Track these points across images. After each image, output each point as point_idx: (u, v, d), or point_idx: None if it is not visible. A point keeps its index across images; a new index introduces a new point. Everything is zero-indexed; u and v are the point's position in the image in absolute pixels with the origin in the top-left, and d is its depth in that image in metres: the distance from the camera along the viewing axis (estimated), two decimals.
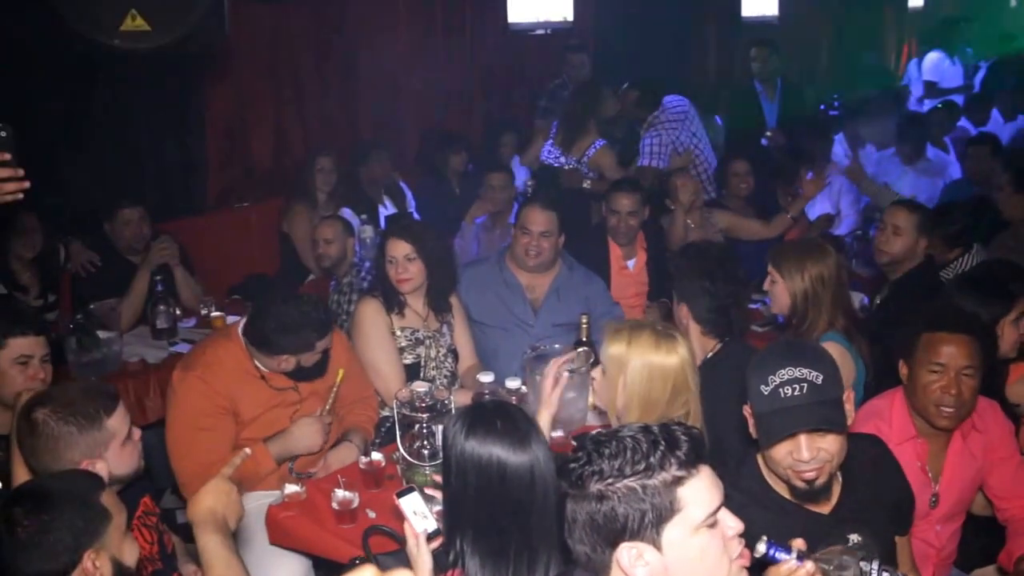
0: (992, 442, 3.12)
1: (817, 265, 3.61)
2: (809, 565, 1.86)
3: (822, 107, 9.24)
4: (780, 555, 1.89)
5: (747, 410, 2.40)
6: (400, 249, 4.01)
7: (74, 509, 2.17)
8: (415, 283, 4.05)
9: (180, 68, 5.60)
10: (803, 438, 2.27)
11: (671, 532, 1.72)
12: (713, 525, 1.76)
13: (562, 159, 6.48)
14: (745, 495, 2.35)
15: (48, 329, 3.70)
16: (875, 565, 1.91)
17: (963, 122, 8.55)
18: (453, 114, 7.72)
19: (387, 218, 6.00)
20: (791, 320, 3.63)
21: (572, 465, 1.77)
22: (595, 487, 1.72)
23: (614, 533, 1.72)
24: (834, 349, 3.41)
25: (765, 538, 1.93)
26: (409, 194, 6.62)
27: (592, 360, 3.55)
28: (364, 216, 5.58)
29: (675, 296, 3.58)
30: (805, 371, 2.29)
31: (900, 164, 7.24)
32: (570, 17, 8.47)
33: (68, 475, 2.44)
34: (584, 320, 3.83)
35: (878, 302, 4.61)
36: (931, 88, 9.94)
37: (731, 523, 1.79)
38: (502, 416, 2.27)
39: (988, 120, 8.66)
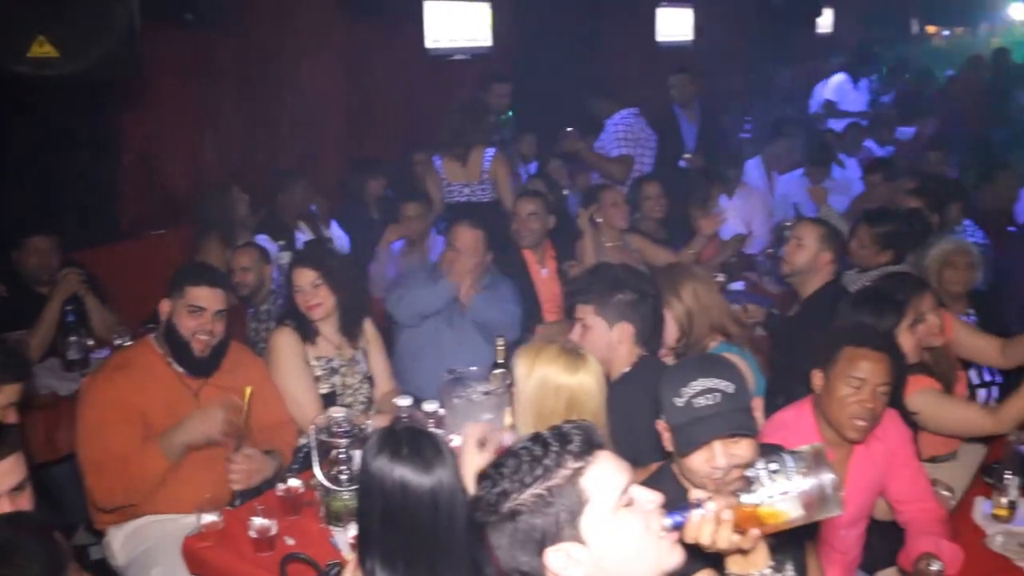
0: (892, 449, 3.23)
1: (687, 283, 3.73)
2: (711, 505, 1.81)
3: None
4: (685, 515, 1.82)
5: (661, 425, 2.45)
6: (305, 277, 4.02)
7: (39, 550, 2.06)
8: (325, 309, 4.04)
9: (93, 92, 5.51)
10: (718, 445, 2.32)
11: (589, 523, 1.73)
12: (630, 504, 1.77)
13: (465, 190, 6.51)
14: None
15: None
16: (762, 465, 1.85)
17: (868, 142, 8.84)
18: (372, 139, 7.72)
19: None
20: (680, 342, 3.70)
21: (481, 495, 1.78)
22: (506, 507, 1.74)
23: (537, 544, 1.73)
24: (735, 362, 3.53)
25: (664, 511, 1.89)
26: (334, 224, 6.60)
27: (509, 383, 3.57)
28: (282, 243, 5.55)
29: (607, 314, 3.46)
30: (716, 381, 2.34)
31: (809, 184, 7.38)
32: (489, 42, 8.53)
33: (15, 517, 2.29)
34: (500, 343, 3.87)
35: (789, 316, 4.74)
36: (830, 107, 10.24)
37: (648, 496, 1.80)
38: (409, 438, 2.27)
39: (891, 139, 8.97)
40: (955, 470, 3.81)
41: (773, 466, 1.82)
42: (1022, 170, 7.04)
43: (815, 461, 1.82)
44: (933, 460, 3.81)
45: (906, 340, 3.57)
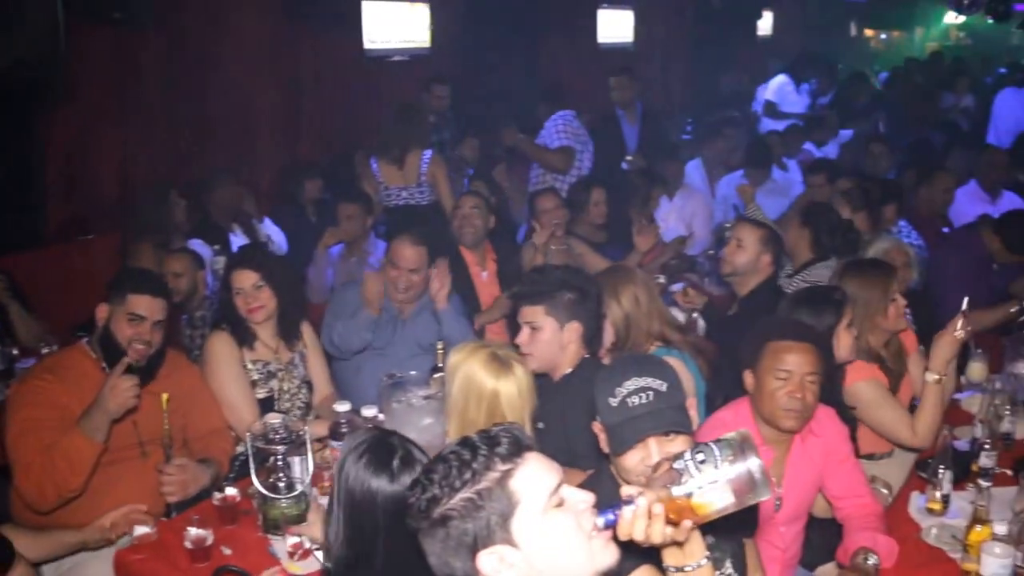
0: (829, 446, 3.25)
1: (628, 287, 3.78)
2: (641, 500, 1.79)
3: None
4: (616, 513, 1.81)
5: (597, 426, 2.45)
6: (247, 279, 3.94)
7: None
8: (267, 311, 3.97)
9: (13, 92, 5.33)
10: (653, 444, 2.32)
11: (520, 525, 1.72)
12: (560, 504, 1.76)
13: (403, 193, 6.46)
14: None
15: None
16: (689, 456, 1.84)
17: (808, 145, 8.95)
18: (309, 141, 7.63)
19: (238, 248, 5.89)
20: (616, 346, 3.73)
21: (411, 501, 1.77)
22: (436, 513, 1.72)
23: (469, 548, 1.72)
24: (674, 365, 3.51)
25: (596, 511, 1.88)
26: (268, 222, 6.50)
27: None
28: (217, 247, 5.44)
29: (558, 314, 3.46)
30: (650, 380, 2.36)
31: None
32: (427, 44, 8.49)
33: None
34: (440, 346, 3.82)
35: (728, 317, 4.75)
36: (770, 108, 10.36)
37: (579, 496, 1.79)
38: (376, 444, 2.31)
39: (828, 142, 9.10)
40: (892, 467, 3.85)
41: (700, 456, 1.81)
42: (959, 172, 7.13)
43: (741, 447, 1.81)
44: (871, 457, 3.85)
45: (844, 338, 3.60)
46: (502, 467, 1.73)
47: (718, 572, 2.50)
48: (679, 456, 1.85)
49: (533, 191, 6.61)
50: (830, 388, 3.41)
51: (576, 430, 2.98)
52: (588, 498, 1.80)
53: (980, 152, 7.84)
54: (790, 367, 3.05)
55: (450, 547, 1.73)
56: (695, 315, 5.25)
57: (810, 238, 5.02)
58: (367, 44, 7.93)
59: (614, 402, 2.35)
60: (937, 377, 3.59)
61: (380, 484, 2.25)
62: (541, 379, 3.30)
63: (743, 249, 4.55)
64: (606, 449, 2.44)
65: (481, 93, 8.03)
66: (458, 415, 2.91)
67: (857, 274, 3.94)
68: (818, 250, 5.01)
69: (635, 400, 2.33)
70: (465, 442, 1.77)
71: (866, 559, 2.94)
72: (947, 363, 3.63)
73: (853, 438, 3.52)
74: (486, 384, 2.88)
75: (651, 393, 2.34)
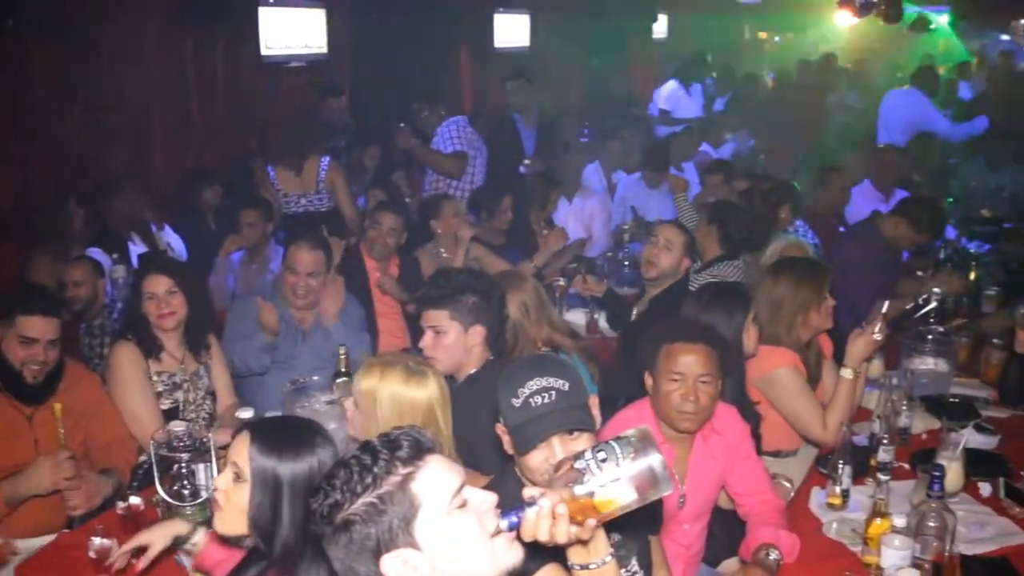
0: (731, 444, 3.31)
1: (518, 293, 3.84)
2: (544, 502, 1.81)
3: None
4: (520, 514, 1.82)
5: (500, 428, 2.46)
6: (160, 284, 3.91)
7: None
8: (178, 318, 3.96)
9: None
10: (557, 443, 2.33)
11: (423, 528, 1.73)
12: (463, 506, 1.77)
13: (302, 200, 6.48)
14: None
15: None
16: (590, 455, 1.85)
17: (704, 146, 9.16)
18: (207, 147, 7.55)
19: (140, 256, 5.81)
20: (504, 348, 3.76)
21: (314, 507, 1.76)
22: (339, 518, 1.72)
23: (372, 553, 1.71)
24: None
25: (499, 512, 1.89)
26: (168, 229, 6.42)
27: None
28: (115, 256, 5.38)
29: (463, 318, 3.52)
30: (552, 380, 2.35)
31: (645, 188, 7.63)
32: (325, 49, 8.47)
33: None
34: (342, 351, 3.87)
35: (635, 316, 4.86)
36: (664, 116, 10.57)
37: (482, 497, 1.80)
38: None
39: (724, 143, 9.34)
40: (794, 464, 3.95)
41: (601, 455, 1.84)
42: (854, 172, 7.31)
43: (642, 444, 1.84)
44: (777, 454, 3.94)
45: (752, 333, 3.71)
46: (403, 470, 1.74)
47: (624, 570, 2.53)
48: (580, 455, 1.87)
49: (434, 196, 6.68)
50: (734, 385, 3.52)
51: (480, 431, 2.96)
52: (491, 499, 1.81)
53: (873, 152, 8.04)
54: (682, 369, 3.09)
55: (353, 552, 1.72)
56: (596, 316, 5.41)
57: (718, 235, 5.15)
58: (264, 50, 7.84)
59: (517, 402, 2.35)
60: (853, 373, 3.70)
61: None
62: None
63: (670, 251, 4.66)
64: (510, 451, 2.44)
65: (378, 99, 8.04)
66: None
67: (791, 272, 4.02)
68: (727, 246, 5.16)
69: (538, 400, 2.33)
70: (366, 447, 1.77)
71: (768, 554, 2.99)
72: (862, 360, 3.75)
73: (757, 435, 3.60)
74: (417, 397, 2.86)
75: (554, 393, 2.34)
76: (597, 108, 11.04)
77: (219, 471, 3.20)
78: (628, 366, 3.93)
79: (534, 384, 2.35)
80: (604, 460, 1.83)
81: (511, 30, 11.14)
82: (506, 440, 2.44)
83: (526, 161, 7.76)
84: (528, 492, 1.86)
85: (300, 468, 2.23)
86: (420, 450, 1.77)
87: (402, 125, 7.22)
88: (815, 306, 3.93)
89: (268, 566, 2.22)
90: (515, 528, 1.81)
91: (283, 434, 2.31)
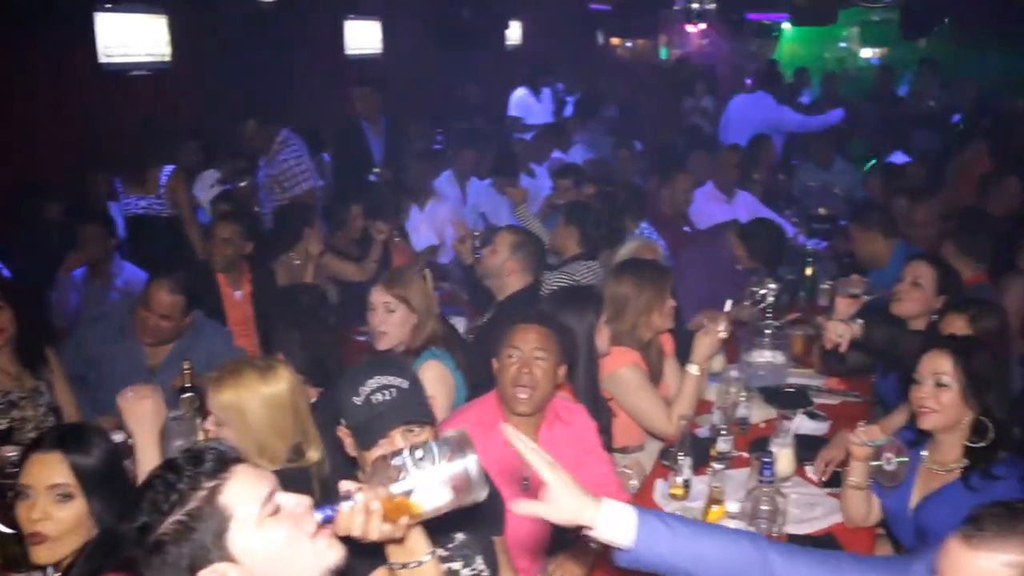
0: (578, 436, 3.43)
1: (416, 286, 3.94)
2: (359, 497, 1.83)
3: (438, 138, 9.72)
4: (335, 509, 1.83)
5: (342, 431, 2.51)
6: None
7: None
8: (5, 335, 3.83)
9: None
10: (399, 438, 2.41)
11: (236, 540, 1.70)
12: (276, 512, 1.76)
13: (142, 202, 6.35)
14: None
15: None
16: (407, 454, 1.87)
17: (556, 152, 9.30)
18: (42, 159, 7.22)
19: None
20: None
21: (123, 531, 1.73)
22: (150, 541, 1.68)
23: (187, 571, 1.68)
24: (435, 368, 3.73)
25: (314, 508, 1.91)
26: None
27: (197, 406, 3.53)
28: None
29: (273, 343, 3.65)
30: (391, 378, 2.45)
31: (496, 194, 7.67)
32: (168, 57, 8.25)
33: None
34: (186, 366, 3.79)
35: (484, 321, 4.93)
36: (514, 123, 10.69)
37: (295, 500, 1.80)
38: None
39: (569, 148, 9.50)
40: (643, 458, 4.07)
41: (419, 454, 1.86)
42: (698, 173, 7.49)
43: (459, 445, 1.87)
44: (624, 451, 4.05)
45: (604, 332, 3.84)
46: (208, 484, 1.70)
47: (470, 569, 2.58)
48: (398, 453, 1.89)
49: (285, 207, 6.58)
50: (588, 382, 3.67)
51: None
52: (304, 501, 1.81)
53: (714, 154, 8.27)
54: (518, 344, 3.27)
55: (169, 574, 1.69)
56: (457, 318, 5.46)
57: (577, 235, 5.31)
58: (103, 58, 7.59)
59: (359, 400, 2.42)
60: (699, 369, 3.90)
61: None
62: None
63: (496, 253, 4.77)
64: (352, 452, 2.50)
65: (227, 106, 7.86)
66: (269, 437, 2.86)
67: (634, 273, 4.18)
68: (586, 245, 5.32)
69: (379, 397, 2.41)
70: (170, 464, 1.74)
71: (591, 544, 3.13)
72: (708, 358, 3.96)
73: (608, 432, 3.73)
74: (280, 388, 2.88)
75: (393, 390, 2.43)
76: (450, 114, 11.09)
77: None
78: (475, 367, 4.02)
79: (374, 382, 2.44)
80: (421, 459, 1.86)
81: (363, 36, 11.08)
82: (348, 442, 2.50)
83: (376, 170, 7.75)
84: (344, 486, 1.87)
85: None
86: (225, 461, 1.75)
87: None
88: (657, 307, 4.09)
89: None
90: (329, 522, 1.81)
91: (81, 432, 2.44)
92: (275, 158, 6.98)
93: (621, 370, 3.97)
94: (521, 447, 2.04)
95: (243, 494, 1.73)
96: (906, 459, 3.10)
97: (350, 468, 2.60)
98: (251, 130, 6.94)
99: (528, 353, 3.26)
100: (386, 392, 2.43)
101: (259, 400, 2.85)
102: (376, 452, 2.38)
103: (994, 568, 1.74)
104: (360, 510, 1.82)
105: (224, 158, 7.55)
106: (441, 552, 2.43)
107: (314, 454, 2.92)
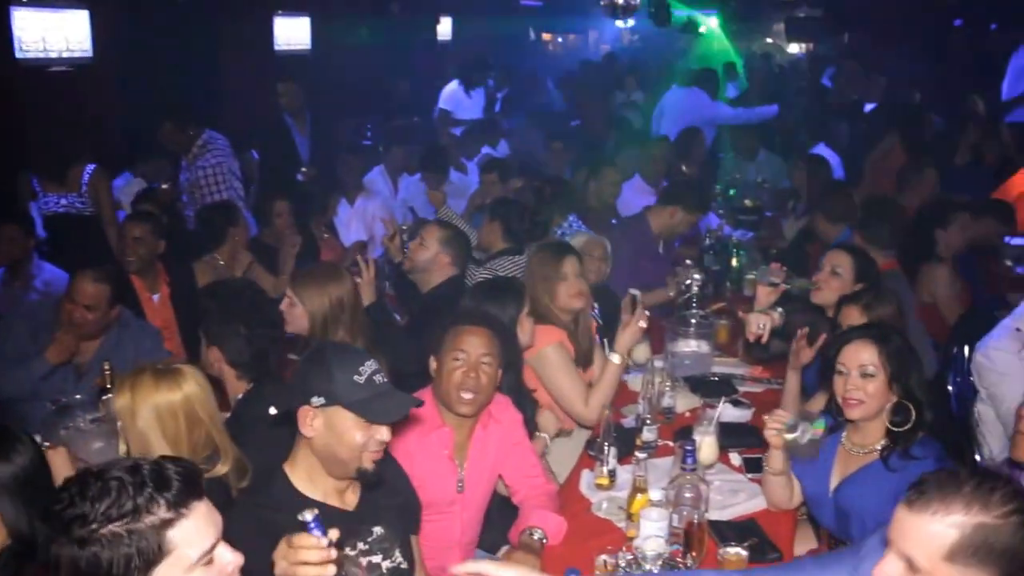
0: (507, 431, 3.47)
1: (338, 289, 3.87)
2: (332, 552, 1.94)
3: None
4: (316, 532, 1.98)
5: (309, 410, 2.50)
6: None
7: None
8: None
9: None
10: (386, 432, 2.54)
11: (161, 574, 1.69)
12: (209, 563, 1.75)
13: (63, 201, 6.23)
14: (276, 510, 2.44)
15: None
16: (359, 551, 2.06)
17: (485, 147, 9.30)
18: None
19: None
20: (308, 341, 3.82)
21: (56, 507, 1.67)
22: (78, 532, 1.64)
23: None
24: None
25: (316, 511, 2.03)
26: None
27: None
28: None
29: (204, 338, 3.58)
30: (377, 366, 2.55)
31: (425, 188, 7.61)
32: (90, 52, 8.07)
33: None
34: (107, 366, 3.72)
35: (414, 313, 4.94)
36: (445, 116, 10.69)
37: (229, 557, 1.79)
38: None
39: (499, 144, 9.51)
40: (567, 446, 4.12)
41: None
42: (625, 166, 7.59)
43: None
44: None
45: (525, 325, 3.88)
46: (164, 514, 1.68)
47: (389, 560, 2.62)
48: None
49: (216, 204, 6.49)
50: (511, 376, 3.67)
51: (251, 447, 3.04)
52: (236, 560, 1.80)
53: (642, 146, 8.37)
54: (466, 347, 3.27)
55: (79, 569, 1.65)
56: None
57: (501, 229, 5.35)
58: (19, 53, 7.40)
59: (360, 379, 2.48)
60: (620, 358, 3.96)
61: None
62: None
63: (424, 248, 4.76)
64: (309, 433, 2.50)
65: (153, 103, 7.71)
66: (159, 445, 2.81)
67: (537, 250, 4.43)
68: (510, 238, 5.35)
69: (378, 379, 2.51)
70: (136, 470, 1.70)
71: (531, 535, 3.14)
72: (629, 347, 4.03)
73: (532, 422, 3.78)
74: (173, 399, 2.83)
75: (384, 374, 2.54)
76: (380, 110, 11.03)
77: None
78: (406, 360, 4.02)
79: (370, 365, 2.52)
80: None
81: (292, 32, 10.96)
82: (316, 423, 2.50)
83: (303, 169, 7.69)
84: (333, 533, 2.04)
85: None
86: (188, 495, 1.73)
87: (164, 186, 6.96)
88: (557, 280, 4.15)
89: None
90: (308, 528, 1.98)
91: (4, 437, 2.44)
92: (194, 163, 6.85)
93: (546, 349, 4.03)
94: None
95: (191, 537, 1.72)
96: (821, 426, 3.16)
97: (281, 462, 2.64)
98: (168, 131, 6.82)
99: (475, 358, 3.28)
100: (382, 375, 2.53)
101: (150, 407, 2.82)
102: (360, 435, 2.47)
103: (939, 530, 1.83)
104: (317, 549, 2.01)
105: (146, 157, 7.42)
106: (361, 545, 2.47)
107: (222, 467, 2.87)
